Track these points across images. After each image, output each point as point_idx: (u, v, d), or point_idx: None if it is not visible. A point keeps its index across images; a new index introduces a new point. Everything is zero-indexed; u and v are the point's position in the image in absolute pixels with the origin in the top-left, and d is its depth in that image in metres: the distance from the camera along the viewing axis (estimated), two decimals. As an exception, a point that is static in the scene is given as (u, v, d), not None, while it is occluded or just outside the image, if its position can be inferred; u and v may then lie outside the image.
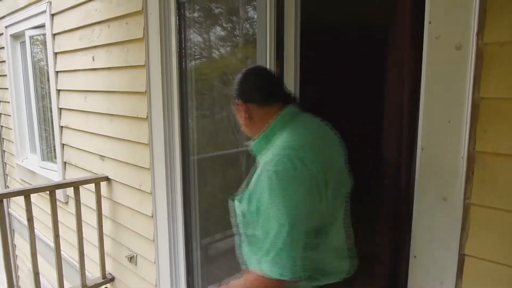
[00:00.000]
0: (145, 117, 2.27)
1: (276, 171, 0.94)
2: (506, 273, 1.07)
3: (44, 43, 3.62)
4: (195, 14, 2.14)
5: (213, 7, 2.07)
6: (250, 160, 1.64)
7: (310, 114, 1.16)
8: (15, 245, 4.57)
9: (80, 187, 2.63)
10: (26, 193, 2.31)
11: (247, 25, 1.88)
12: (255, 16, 1.71)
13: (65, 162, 3.26)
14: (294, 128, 1.07)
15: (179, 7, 2.07)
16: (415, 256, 1.24)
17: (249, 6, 1.84)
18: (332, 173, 1.03)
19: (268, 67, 1.65)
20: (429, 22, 1.14)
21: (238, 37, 1.99)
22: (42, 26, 3.32)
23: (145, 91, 2.25)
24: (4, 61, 4.17)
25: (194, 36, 2.13)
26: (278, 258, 0.94)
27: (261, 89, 1.11)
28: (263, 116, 1.10)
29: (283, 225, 0.93)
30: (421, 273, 1.23)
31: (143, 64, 2.23)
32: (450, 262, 1.16)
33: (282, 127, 1.07)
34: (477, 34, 1.05)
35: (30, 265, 4.06)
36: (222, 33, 2.07)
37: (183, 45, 2.10)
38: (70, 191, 2.95)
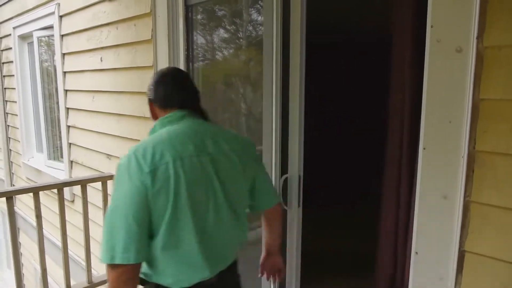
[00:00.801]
0: (152, 117, 2.31)
1: (118, 165, 1.09)
2: (505, 269, 1.09)
3: (48, 44, 3.68)
4: (203, 17, 2.18)
5: (221, 10, 2.11)
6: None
7: (196, 120, 1.22)
8: (20, 243, 4.61)
9: (87, 185, 2.67)
10: (35, 191, 2.34)
11: (254, 28, 1.92)
12: (262, 19, 1.75)
13: (71, 161, 3.30)
14: (165, 130, 1.16)
15: (187, 9, 2.11)
16: (416, 253, 1.27)
17: (255, 9, 1.89)
18: (193, 177, 1.08)
19: (274, 69, 1.68)
20: (431, 26, 1.17)
21: (244, 40, 2.03)
22: (50, 27, 3.36)
23: (153, 92, 2.28)
24: (11, 62, 4.23)
25: (202, 39, 2.18)
26: (102, 241, 1.05)
27: (161, 95, 1.23)
28: (160, 116, 1.23)
29: (109, 211, 1.06)
30: (422, 269, 1.26)
31: (151, 65, 2.27)
32: (451, 258, 1.18)
33: (160, 128, 1.19)
34: (477, 37, 1.08)
35: (35, 263, 4.09)
36: (229, 36, 2.11)
37: (191, 47, 2.14)
38: (76, 189, 2.98)
